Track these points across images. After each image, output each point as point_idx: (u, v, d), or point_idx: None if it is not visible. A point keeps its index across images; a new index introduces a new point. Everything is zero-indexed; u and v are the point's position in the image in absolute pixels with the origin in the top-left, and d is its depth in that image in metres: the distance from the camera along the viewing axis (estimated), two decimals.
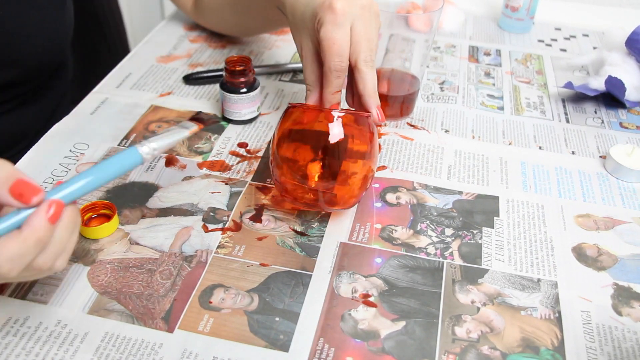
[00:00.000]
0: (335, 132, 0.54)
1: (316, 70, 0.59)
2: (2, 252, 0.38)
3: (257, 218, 0.60)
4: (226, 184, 0.65)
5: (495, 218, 0.62)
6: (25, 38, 0.69)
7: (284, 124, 0.57)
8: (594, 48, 0.97)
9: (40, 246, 0.40)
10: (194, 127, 0.50)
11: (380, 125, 0.74)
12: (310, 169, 0.55)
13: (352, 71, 0.58)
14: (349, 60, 0.57)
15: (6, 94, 0.74)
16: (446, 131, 0.75)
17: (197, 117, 0.52)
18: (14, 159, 0.66)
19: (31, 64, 0.72)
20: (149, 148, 0.46)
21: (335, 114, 0.54)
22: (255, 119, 0.75)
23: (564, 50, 0.96)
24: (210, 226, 0.59)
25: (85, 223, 0.57)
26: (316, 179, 0.55)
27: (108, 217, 0.58)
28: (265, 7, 0.72)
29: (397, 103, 0.75)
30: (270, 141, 0.71)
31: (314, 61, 0.59)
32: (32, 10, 0.69)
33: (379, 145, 0.71)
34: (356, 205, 0.62)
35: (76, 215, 0.43)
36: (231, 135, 0.72)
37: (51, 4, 0.72)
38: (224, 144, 0.70)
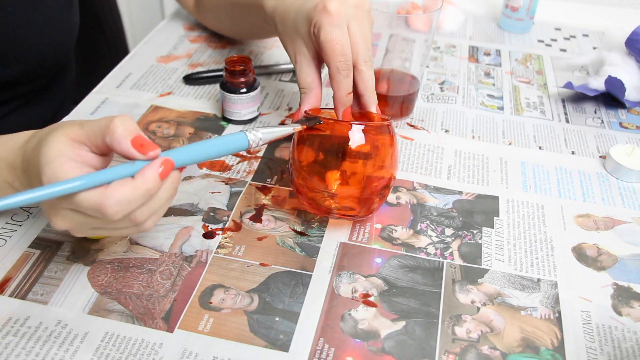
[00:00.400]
0: (356, 139, 0.54)
1: (312, 73, 0.59)
2: (114, 194, 0.41)
3: (257, 218, 0.60)
4: (226, 183, 0.65)
5: (495, 218, 0.62)
6: (32, 36, 0.70)
7: (302, 134, 0.56)
8: (594, 48, 0.97)
9: (147, 197, 0.43)
10: (298, 127, 0.54)
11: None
12: (330, 176, 0.55)
13: None
14: None
15: (11, 93, 0.74)
16: (446, 131, 0.75)
17: (306, 118, 0.56)
18: None
19: (36, 62, 0.72)
20: (256, 136, 0.50)
21: (355, 127, 0.54)
22: (255, 119, 0.75)
23: (564, 50, 0.97)
24: (211, 226, 0.59)
25: None
26: (336, 186, 0.55)
27: None
28: (256, 18, 0.72)
29: (397, 103, 0.75)
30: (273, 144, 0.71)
31: (310, 65, 0.59)
32: (39, 8, 0.70)
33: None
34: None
35: (178, 181, 0.46)
36: None
37: (58, 3, 0.72)
38: None
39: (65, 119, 0.73)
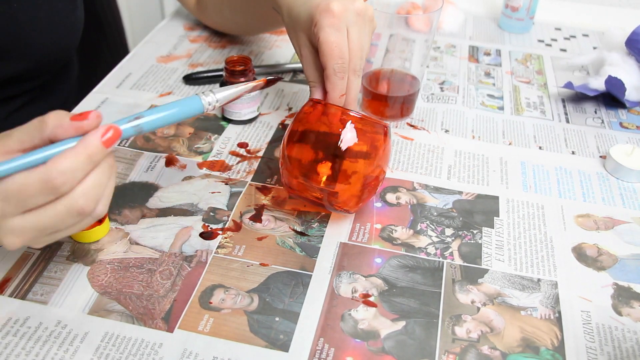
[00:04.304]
0: (348, 138, 0.54)
1: (318, 68, 0.59)
2: (55, 165, 0.40)
3: (257, 218, 0.60)
4: (226, 184, 0.65)
5: (495, 218, 0.62)
6: (36, 32, 0.70)
7: (299, 119, 0.57)
8: (594, 48, 0.97)
9: (90, 164, 0.41)
10: (259, 81, 0.52)
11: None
12: (319, 169, 0.55)
13: None
14: None
15: (15, 89, 0.74)
16: (446, 131, 0.75)
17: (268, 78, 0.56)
18: None
19: (40, 58, 0.73)
20: (212, 99, 0.48)
21: (354, 114, 0.55)
22: (255, 119, 0.75)
23: (564, 50, 0.96)
24: (211, 226, 0.59)
25: None
26: (324, 179, 0.55)
27: (99, 221, 0.58)
28: (262, 6, 0.72)
29: (397, 103, 0.75)
30: (271, 140, 0.71)
31: (314, 60, 0.59)
32: (44, 5, 0.70)
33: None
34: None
35: (114, 162, 0.45)
36: (231, 135, 0.72)
37: (63, 0, 0.73)
38: (223, 144, 0.70)
39: None
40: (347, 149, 0.54)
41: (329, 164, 0.55)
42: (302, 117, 0.57)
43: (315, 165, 0.55)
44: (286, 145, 0.57)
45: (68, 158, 0.40)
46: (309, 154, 0.55)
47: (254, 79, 0.72)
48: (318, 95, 0.59)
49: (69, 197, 0.41)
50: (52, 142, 0.42)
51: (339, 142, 0.54)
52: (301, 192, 0.57)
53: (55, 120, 0.41)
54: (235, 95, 0.51)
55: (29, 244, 0.44)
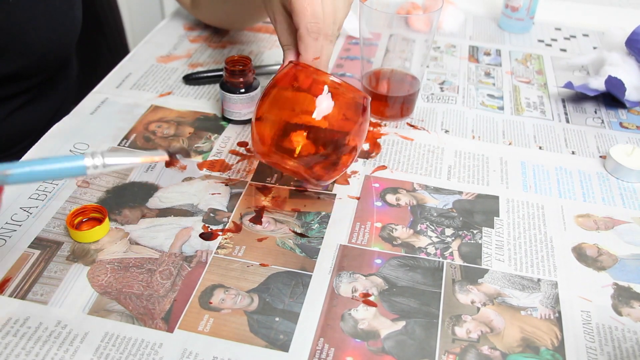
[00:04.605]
0: (323, 107, 0.53)
1: (292, 31, 0.58)
2: None
3: (257, 220, 0.60)
4: (226, 184, 0.64)
5: (495, 218, 0.62)
6: (34, 29, 0.70)
7: (278, 82, 0.55)
8: (594, 48, 0.97)
9: None
10: (163, 155, 0.46)
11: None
12: (293, 137, 0.54)
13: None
14: None
15: (13, 87, 0.74)
16: (446, 131, 0.75)
17: (176, 151, 0.48)
18: (17, 156, 0.66)
19: (38, 56, 0.73)
20: (99, 162, 0.42)
21: (333, 79, 0.53)
22: None
23: (564, 50, 0.96)
24: (211, 227, 0.59)
25: (76, 227, 0.57)
26: (299, 149, 0.54)
27: (99, 221, 0.58)
28: None
29: (397, 104, 0.75)
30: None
31: (290, 24, 0.58)
32: (42, 2, 0.70)
33: (378, 143, 0.71)
34: (355, 202, 0.62)
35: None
36: (231, 135, 0.72)
37: None
38: (223, 144, 0.70)
39: (65, 119, 0.73)
40: (321, 118, 0.53)
41: (303, 133, 0.53)
42: (279, 79, 0.55)
43: (289, 133, 0.53)
44: (259, 107, 0.55)
45: None
46: (283, 118, 0.54)
47: (254, 79, 0.72)
48: (292, 56, 0.58)
49: None
50: None
51: (313, 113, 0.53)
52: (270, 158, 0.56)
53: None
54: (127, 165, 0.45)
55: None
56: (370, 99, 0.57)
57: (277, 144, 0.54)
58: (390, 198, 0.64)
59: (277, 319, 0.51)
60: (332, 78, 0.54)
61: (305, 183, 0.57)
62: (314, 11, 0.55)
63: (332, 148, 0.55)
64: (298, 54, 0.58)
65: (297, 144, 0.54)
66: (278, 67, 0.85)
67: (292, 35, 0.58)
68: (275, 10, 0.59)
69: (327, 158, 0.55)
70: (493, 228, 0.61)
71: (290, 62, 0.57)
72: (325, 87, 0.54)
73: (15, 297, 0.51)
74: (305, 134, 0.54)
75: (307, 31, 0.55)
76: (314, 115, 0.53)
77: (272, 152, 0.55)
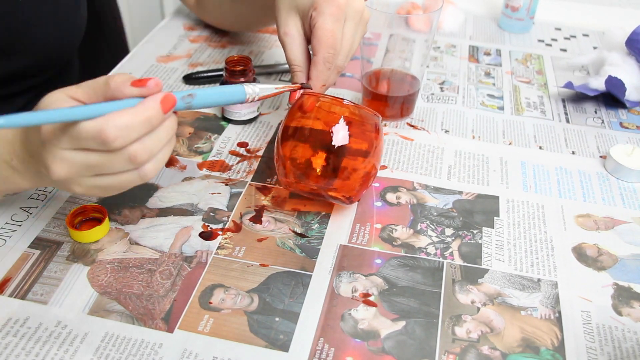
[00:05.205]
0: (340, 137, 0.55)
1: (304, 50, 0.59)
2: (114, 119, 0.41)
3: (257, 219, 0.60)
4: (226, 184, 0.64)
5: (495, 218, 0.62)
6: (39, 29, 0.70)
7: (293, 115, 0.57)
8: (594, 48, 0.97)
9: (147, 126, 0.43)
10: (294, 87, 0.57)
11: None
12: (312, 163, 0.55)
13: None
14: None
15: (17, 86, 0.75)
16: (446, 131, 0.75)
17: (306, 87, 0.59)
18: None
19: (43, 55, 0.73)
20: (254, 90, 0.52)
21: (347, 102, 0.55)
22: (255, 119, 0.75)
23: (564, 50, 0.96)
24: (211, 226, 0.59)
25: (76, 227, 0.57)
26: (318, 172, 0.55)
27: (99, 221, 0.58)
28: None
29: (397, 103, 0.75)
30: (271, 140, 0.71)
31: (302, 42, 0.59)
32: (48, 1, 0.70)
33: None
34: (356, 203, 0.62)
35: (175, 125, 0.47)
36: (231, 135, 0.72)
37: None
38: (223, 144, 0.70)
39: None
40: (340, 147, 0.55)
41: (323, 158, 0.55)
42: (295, 112, 0.57)
43: (310, 162, 0.55)
44: (280, 142, 0.57)
45: (125, 115, 0.42)
46: (303, 151, 0.56)
47: (254, 79, 0.72)
48: (302, 79, 0.59)
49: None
50: None
51: (332, 142, 0.54)
52: (297, 186, 0.58)
53: (119, 81, 0.43)
54: (271, 93, 0.55)
55: (75, 183, 0.45)
56: (380, 117, 0.59)
57: (301, 175, 0.56)
58: (391, 197, 0.64)
59: (277, 319, 0.51)
60: (346, 101, 0.56)
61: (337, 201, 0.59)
62: (335, 43, 0.56)
63: (351, 171, 0.56)
64: (308, 77, 0.59)
65: (317, 168, 0.55)
66: (278, 67, 0.85)
67: (303, 56, 0.59)
68: (290, 24, 0.59)
69: (348, 179, 0.56)
70: (493, 228, 0.61)
71: (301, 85, 0.59)
72: (341, 119, 0.55)
73: (15, 297, 0.51)
74: (325, 159, 0.55)
75: (323, 59, 0.56)
76: (334, 143, 0.55)
77: (298, 183, 0.57)
